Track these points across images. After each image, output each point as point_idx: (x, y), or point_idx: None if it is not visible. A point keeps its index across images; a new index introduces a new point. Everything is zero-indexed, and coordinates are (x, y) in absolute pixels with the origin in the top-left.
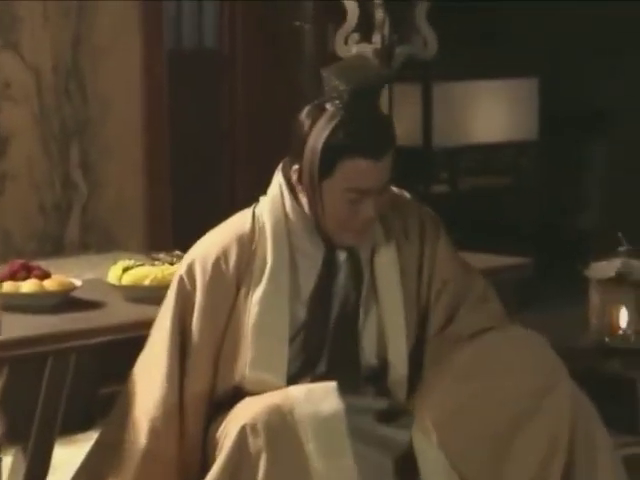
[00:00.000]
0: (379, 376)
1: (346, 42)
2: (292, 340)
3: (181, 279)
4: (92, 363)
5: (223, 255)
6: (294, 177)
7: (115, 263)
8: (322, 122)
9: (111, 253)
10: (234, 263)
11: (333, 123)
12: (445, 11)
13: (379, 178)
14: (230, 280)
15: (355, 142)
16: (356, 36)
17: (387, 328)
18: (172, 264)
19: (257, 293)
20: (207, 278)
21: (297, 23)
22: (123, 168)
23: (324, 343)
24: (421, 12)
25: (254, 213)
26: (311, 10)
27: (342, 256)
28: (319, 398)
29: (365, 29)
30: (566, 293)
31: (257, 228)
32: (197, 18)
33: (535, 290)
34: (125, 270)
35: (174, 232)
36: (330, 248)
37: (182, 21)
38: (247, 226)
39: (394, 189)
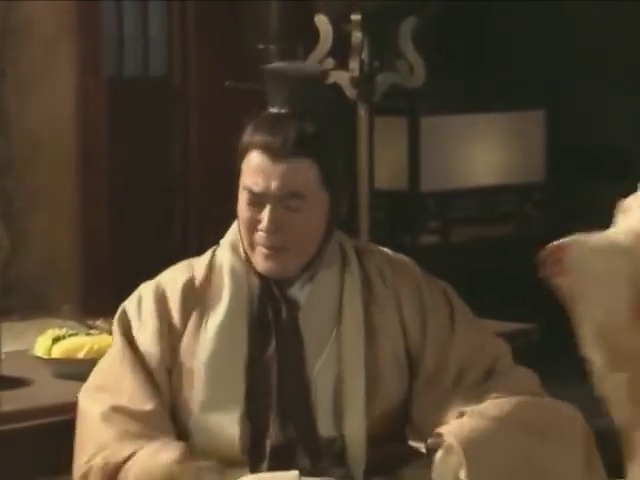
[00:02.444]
0: (342, 453)
1: None
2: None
3: (123, 312)
4: (15, 453)
5: (173, 283)
6: None
7: (43, 332)
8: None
9: (38, 320)
10: (180, 296)
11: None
12: (434, 34)
13: (274, 181)
14: (177, 313)
15: (256, 135)
16: (330, 61)
17: (345, 393)
18: (111, 333)
19: (210, 329)
20: (153, 306)
21: (261, 46)
22: (54, 218)
23: (270, 395)
24: (406, 33)
25: (214, 251)
26: (277, 30)
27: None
28: None
29: (341, 53)
30: (581, 364)
31: (215, 264)
32: (142, 41)
33: (542, 362)
34: (55, 340)
35: (114, 295)
36: (264, 283)
37: (124, 45)
38: (203, 260)
39: (388, 251)
